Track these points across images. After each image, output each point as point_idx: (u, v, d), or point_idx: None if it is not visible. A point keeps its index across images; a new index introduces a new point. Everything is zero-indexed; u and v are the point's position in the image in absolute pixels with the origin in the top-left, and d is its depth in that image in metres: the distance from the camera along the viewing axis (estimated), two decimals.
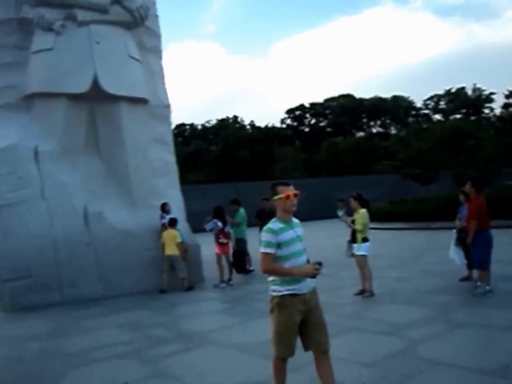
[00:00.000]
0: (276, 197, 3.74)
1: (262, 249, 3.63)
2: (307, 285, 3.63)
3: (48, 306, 9.31)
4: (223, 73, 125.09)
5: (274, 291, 3.69)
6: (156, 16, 12.48)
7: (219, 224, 10.97)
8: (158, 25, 12.56)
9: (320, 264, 3.53)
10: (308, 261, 3.72)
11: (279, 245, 3.57)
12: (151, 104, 11.65)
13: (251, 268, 12.27)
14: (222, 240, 10.99)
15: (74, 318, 8.43)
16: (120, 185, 10.94)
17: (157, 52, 12.47)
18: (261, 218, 12.61)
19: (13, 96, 10.48)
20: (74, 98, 10.31)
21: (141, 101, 11.28)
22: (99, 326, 7.66)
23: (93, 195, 10.58)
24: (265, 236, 3.62)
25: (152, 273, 10.58)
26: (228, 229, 11.19)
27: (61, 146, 10.33)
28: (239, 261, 11.20)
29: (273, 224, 3.67)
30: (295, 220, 3.83)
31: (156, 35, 12.45)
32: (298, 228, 3.76)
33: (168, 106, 12.41)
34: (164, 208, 10.97)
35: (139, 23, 11.09)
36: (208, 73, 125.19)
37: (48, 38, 10.17)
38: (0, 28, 10.54)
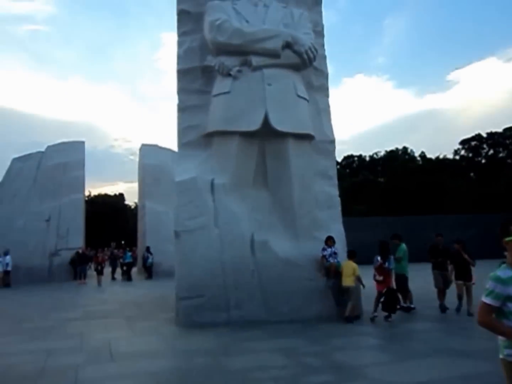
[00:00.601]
0: (508, 239, 3.14)
1: (483, 298, 3.13)
2: None
3: (215, 325, 10.16)
4: (393, 104, 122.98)
5: (510, 355, 3.12)
6: (324, 56, 13.11)
7: (378, 259, 10.94)
8: (326, 65, 13.16)
9: None
10: None
11: (510, 298, 3.00)
12: (317, 139, 12.17)
13: (412, 305, 11.89)
14: (378, 277, 10.90)
15: (237, 338, 9.08)
16: (285, 216, 11.53)
17: (324, 90, 13.02)
18: (434, 255, 12.08)
19: (195, 134, 11.87)
20: (247, 135, 11.28)
21: (308, 137, 11.87)
22: (258, 348, 8.18)
23: (260, 225, 11.33)
24: (489, 283, 3.09)
25: (311, 303, 10.90)
26: (390, 264, 11.04)
27: (233, 179, 11.34)
28: (390, 299, 10.85)
29: (502, 271, 3.10)
30: None
31: (324, 74, 13.05)
32: None
33: (333, 141, 12.80)
34: (328, 242, 11.28)
35: (308, 65, 11.80)
36: (378, 104, 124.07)
37: (226, 83, 11.40)
38: (187, 75, 12.16)
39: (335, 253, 11.22)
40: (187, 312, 10.54)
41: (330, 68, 13.20)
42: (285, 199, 11.56)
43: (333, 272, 11.09)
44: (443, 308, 11.63)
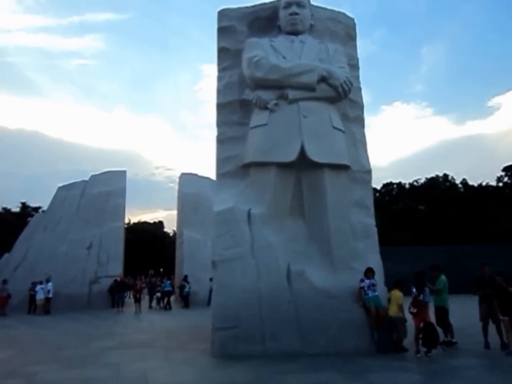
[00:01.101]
0: None
1: None
2: None
3: (251, 357, 10.09)
4: (432, 131, 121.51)
5: None
6: (359, 88, 13.24)
7: (413, 291, 10.73)
8: (361, 96, 13.30)
9: None
10: None
11: None
12: (353, 169, 12.21)
13: (453, 340, 11.51)
14: (412, 310, 10.66)
15: (273, 371, 9.00)
16: (321, 246, 11.51)
17: (360, 121, 13.11)
18: (481, 287, 11.43)
19: (233, 165, 12.11)
20: (283, 166, 11.42)
21: (344, 168, 11.92)
22: (293, 382, 8.10)
23: (296, 255, 11.32)
24: None
25: (348, 335, 10.72)
26: (425, 297, 10.79)
27: (270, 209, 11.44)
28: (429, 333, 10.43)
29: None
30: None
31: (359, 106, 13.17)
32: None
33: (369, 171, 12.77)
34: (368, 274, 11.13)
35: (343, 97, 11.95)
36: (417, 131, 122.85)
37: (263, 115, 11.66)
38: (226, 108, 12.52)
39: (373, 285, 11.07)
40: (223, 343, 10.55)
41: (368, 96, 13.68)
42: (321, 229, 11.56)
43: (374, 320, 10.86)
44: (487, 344, 11.18)
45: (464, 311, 12.94)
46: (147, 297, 28.82)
